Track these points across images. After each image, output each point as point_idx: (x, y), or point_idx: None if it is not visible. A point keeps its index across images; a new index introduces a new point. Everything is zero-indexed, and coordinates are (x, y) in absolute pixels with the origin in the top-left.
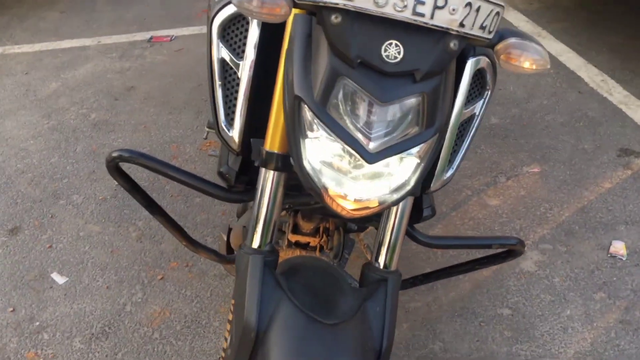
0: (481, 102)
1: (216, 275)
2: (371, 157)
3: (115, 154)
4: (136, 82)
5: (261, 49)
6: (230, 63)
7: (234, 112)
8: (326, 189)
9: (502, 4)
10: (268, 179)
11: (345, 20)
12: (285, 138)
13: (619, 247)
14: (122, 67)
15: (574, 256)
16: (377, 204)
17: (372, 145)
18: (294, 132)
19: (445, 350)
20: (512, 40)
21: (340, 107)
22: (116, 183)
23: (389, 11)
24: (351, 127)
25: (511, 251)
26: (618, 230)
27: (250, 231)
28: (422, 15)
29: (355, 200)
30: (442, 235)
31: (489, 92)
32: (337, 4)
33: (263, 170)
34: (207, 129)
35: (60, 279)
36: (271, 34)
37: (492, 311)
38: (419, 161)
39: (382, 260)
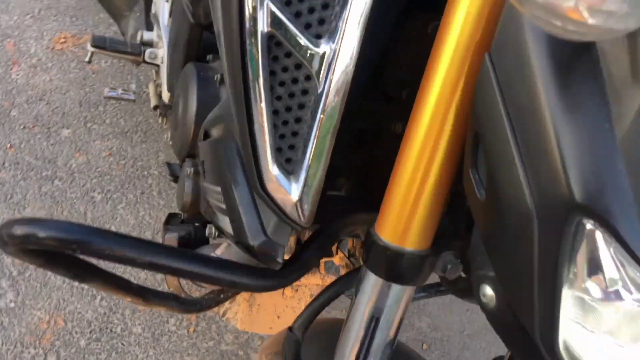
0: None
1: None
2: None
3: (18, 232)
4: None
5: (373, 27)
6: (292, 48)
7: (293, 149)
8: None
9: None
10: (375, 287)
11: None
12: (421, 230)
13: None
14: None
15: None
16: None
17: None
18: (544, 276)
19: (434, 328)
20: None
21: None
22: None
23: None
24: None
25: None
26: None
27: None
28: None
29: None
30: None
31: None
32: None
33: (367, 272)
34: (92, 48)
35: None
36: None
37: None
38: None
39: None
